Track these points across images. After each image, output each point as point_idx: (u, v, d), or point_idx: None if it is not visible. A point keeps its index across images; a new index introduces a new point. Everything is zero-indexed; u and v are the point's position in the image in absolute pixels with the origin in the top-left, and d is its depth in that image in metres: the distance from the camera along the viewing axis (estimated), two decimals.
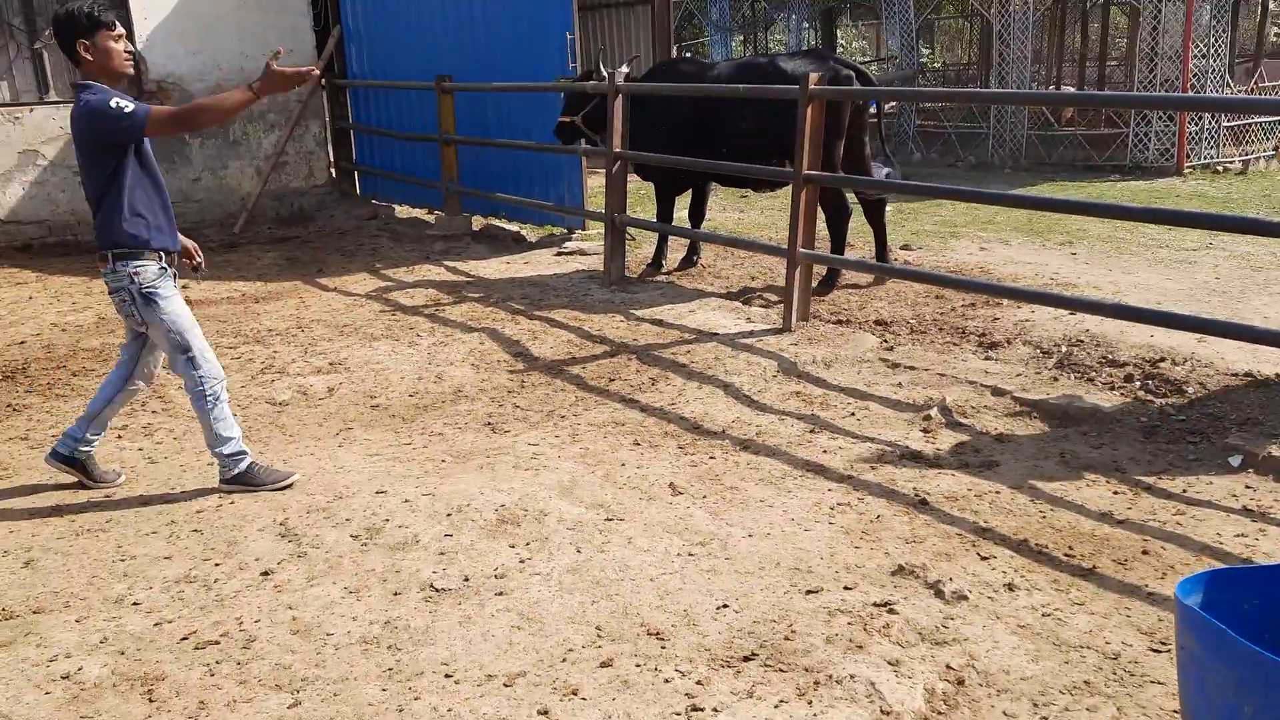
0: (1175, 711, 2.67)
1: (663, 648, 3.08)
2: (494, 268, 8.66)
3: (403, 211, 11.45)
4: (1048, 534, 3.75)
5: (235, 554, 3.71)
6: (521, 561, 3.61)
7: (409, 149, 11.26)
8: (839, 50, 23.85)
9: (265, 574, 3.55)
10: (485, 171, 10.10)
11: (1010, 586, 3.38)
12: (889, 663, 2.96)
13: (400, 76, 11.05)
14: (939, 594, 3.33)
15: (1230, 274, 7.53)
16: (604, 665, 2.99)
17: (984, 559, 3.58)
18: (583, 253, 8.89)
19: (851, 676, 2.89)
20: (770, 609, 3.28)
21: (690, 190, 8.35)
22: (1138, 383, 5.19)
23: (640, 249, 9.12)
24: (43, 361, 6.18)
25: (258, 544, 3.78)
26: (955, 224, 9.80)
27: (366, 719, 2.75)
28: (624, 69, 7.84)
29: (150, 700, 2.84)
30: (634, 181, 12.06)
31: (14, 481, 4.43)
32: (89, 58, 3.93)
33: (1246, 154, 13.17)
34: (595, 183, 9.55)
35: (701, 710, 2.76)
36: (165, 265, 4.13)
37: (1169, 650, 2.96)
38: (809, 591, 3.38)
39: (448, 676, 2.94)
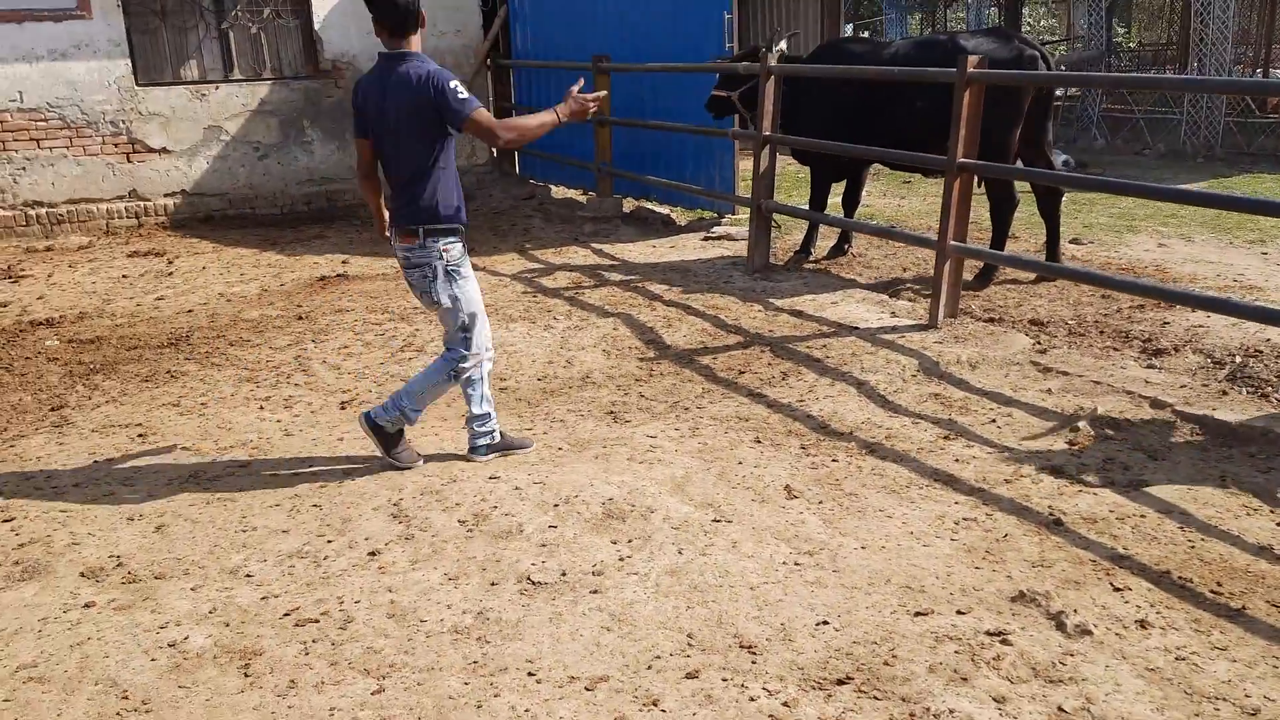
0: None
1: (753, 662, 2.96)
2: (639, 251, 8.62)
3: (558, 192, 11.55)
4: (1194, 566, 3.41)
5: (348, 531, 3.79)
6: (621, 559, 3.54)
7: (566, 130, 11.23)
8: (1026, 29, 22.71)
9: (372, 554, 3.61)
10: (638, 153, 10.06)
11: (1143, 623, 3.09)
12: (994, 699, 2.74)
13: (561, 57, 11.13)
14: (1060, 626, 3.07)
15: None
16: (690, 676, 2.89)
17: (1117, 590, 3.28)
18: (730, 238, 8.74)
19: (951, 711, 2.70)
20: (873, 629, 3.10)
21: (846, 176, 8.07)
22: None
23: (790, 235, 8.90)
24: (205, 330, 6.52)
25: (370, 523, 3.85)
26: (1134, 217, 9.13)
27: (445, 711, 2.75)
28: (780, 46, 7.62)
29: (246, 675, 2.92)
30: (791, 165, 11.81)
31: (158, 446, 4.67)
32: (421, 28, 4.04)
33: None
34: (748, 166, 9.33)
35: None
36: (464, 241, 4.23)
37: None
38: (918, 613, 3.18)
39: (531, 675, 2.91)
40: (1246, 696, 2.74)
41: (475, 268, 8.18)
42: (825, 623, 3.15)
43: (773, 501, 3.99)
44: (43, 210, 10.29)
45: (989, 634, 3.05)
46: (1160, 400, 4.76)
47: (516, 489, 4.09)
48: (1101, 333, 5.86)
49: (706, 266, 7.90)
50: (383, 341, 6.19)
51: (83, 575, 3.50)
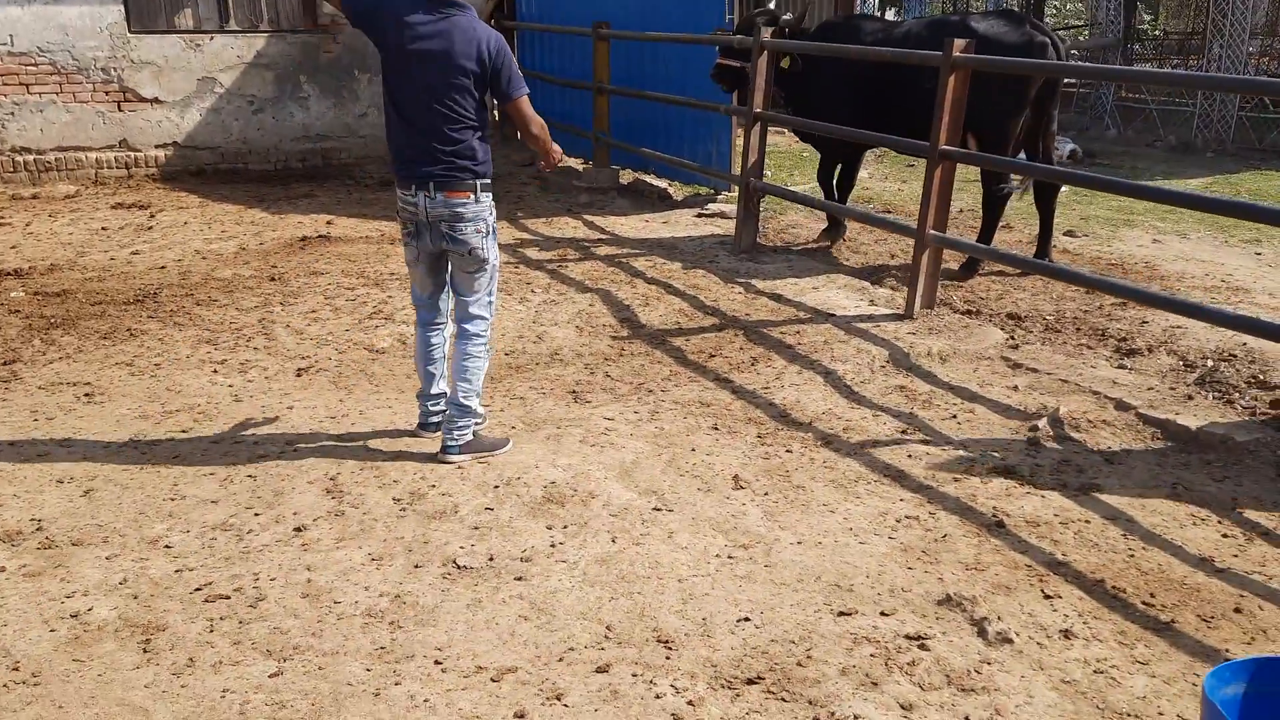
0: None
1: (667, 658, 2.88)
2: (631, 225, 8.49)
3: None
4: (1130, 576, 3.32)
5: (279, 505, 3.72)
6: (553, 546, 3.46)
7: (569, 97, 11.17)
8: (1052, 14, 22.29)
9: (298, 530, 3.54)
10: (638, 124, 9.91)
11: (1067, 633, 3.00)
12: (901, 706, 2.67)
13: (566, 21, 10.95)
14: (981, 633, 2.99)
15: None
16: (600, 670, 2.82)
17: (1047, 597, 3.19)
18: (724, 215, 8.61)
19: (855, 717, 2.63)
20: (794, 628, 3.02)
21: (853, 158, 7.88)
22: None
23: (783, 215, 8.77)
24: (174, 288, 6.44)
25: (303, 497, 3.78)
26: (1133, 211, 8.96)
27: (341, 699, 2.68)
28: (780, 15, 7.43)
29: (145, 651, 2.86)
30: (797, 143, 11.65)
31: (104, 407, 4.61)
32: None
33: None
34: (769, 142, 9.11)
35: None
36: None
37: None
38: (842, 613, 3.10)
39: (437, 663, 2.84)
40: (1160, 714, 2.65)
41: None
42: (747, 619, 3.07)
43: (718, 491, 3.90)
44: (30, 157, 10.18)
45: (908, 638, 2.97)
46: (1125, 402, 4.65)
47: (459, 468, 4.01)
48: (1078, 329, 5.73)
49: (694, 244, 7.78)
50: (352, 307, 6.10)
51: None
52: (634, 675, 2.80)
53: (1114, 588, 3.24)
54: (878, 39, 7.11)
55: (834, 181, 7.81)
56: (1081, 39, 17.94)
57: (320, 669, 2.80)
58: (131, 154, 10.52)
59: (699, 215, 8.73)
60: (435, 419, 4.28)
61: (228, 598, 3.13)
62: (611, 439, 4.33)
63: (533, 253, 7.53)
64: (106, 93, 10.38)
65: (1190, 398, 4.72)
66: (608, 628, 3.02)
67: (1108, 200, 9.36)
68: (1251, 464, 4.10)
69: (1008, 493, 3.88)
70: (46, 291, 6.34)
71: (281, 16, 10.95)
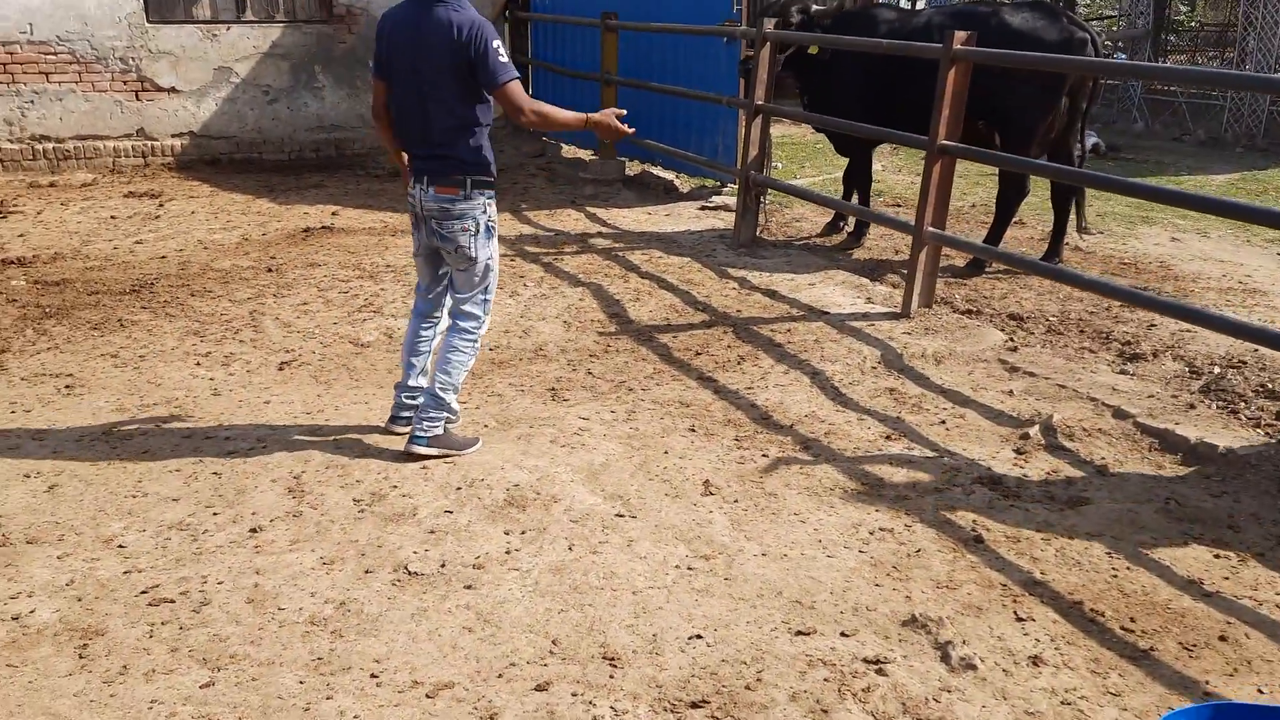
0: None
1: (611, 676, 2.80)
2: (633, 218, 8.39)
3: (568, 151, 11.32)
4: (1111, 598, 3.18)
5: (239, 504, 3.67)
6: (508, 553, 3.39)
7: (579, 88, 11.06)
8: (1085, 4, 21.83)
9: (254, 530, 3.49)
10: (645, 116, 9.75)
11: (1036, 660, 2.88)
12: None
13: (578, 13, 10.84)
14: (944, 658, 2.87)
15: None
16: (539, 688, 2.74)
17: (1020, 620, 3.07)
18: (727, 209, 8.48)
19: None
20: (747, 647, 2.92)
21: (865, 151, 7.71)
22: None
23: (787, 209, 8.63)
24: (171, 279, 6.42)
25: (264, 496, 3.73)
26: (1153, 207, 8.72)
27: (270, 712, 2.62)
28: (811, 2, 7.27)
29: (81, 656, 2.82)
30: (810, 134, 11.50)
31: (82, 400, 4.59)
32: None
33: None
34: (779, 133, 8.96)
35: None
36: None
37: None
38: (799, 632, 3.00)
39: (373, 676, 2.77)
40: None
41: None
42: (699, 636, 2.98)
43: (686, 497, 3.81)
44: (50, 145, 10.24)
45: (867, 661, 2.86)
46: (1123, 410, 4.49)
47: (424, 468, 3.94)
48: (1082, 332, 5.57)
49: (694, 238, 7.67)
50: (344, 300, 6.06)
51: None
52: (574, 695, 2.72)
53: (1092, 610, 3.11)
54: (894, 30, 6.94)
55: (849, 176, 7.68)
56: (1114, 30, 17.55)
57: (253, 680, 2.74)
58: (148, 143, 10.55)
59: (702, 208, 8.61)
60: (407, 414, 4.22)
61: (172, 601, 3.08)
62: (584, 440, 4.25)
63: (530, 245, 7.45)
64: (125, 82, 10.41)
65: (1193, 406, 4.55)
66: (554, 642, 2.94)
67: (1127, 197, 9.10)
68: (1252, 479, 3.93)
69: (990, 505, 3.76)
70: (46, 280, 6.35)
71: (297, 7, 10.93)
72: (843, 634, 3.00)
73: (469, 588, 3.18)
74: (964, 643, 2.93)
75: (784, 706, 2.68)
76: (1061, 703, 2.72)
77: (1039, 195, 7.62)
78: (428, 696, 2.70)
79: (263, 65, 10.81)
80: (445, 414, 4.07)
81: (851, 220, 7.67)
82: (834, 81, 7.24)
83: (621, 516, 3.64)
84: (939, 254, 5.80)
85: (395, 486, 3.80)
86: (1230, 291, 6.29)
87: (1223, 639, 3.00)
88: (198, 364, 5.04)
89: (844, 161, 7.88)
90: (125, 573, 3.23)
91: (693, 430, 4.39)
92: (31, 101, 10.14)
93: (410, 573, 3.25)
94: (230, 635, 2.93)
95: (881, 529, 3.60)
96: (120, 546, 3.38)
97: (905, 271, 6.58)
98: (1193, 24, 21.10)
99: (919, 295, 5.69)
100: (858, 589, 3.23)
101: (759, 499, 3.81)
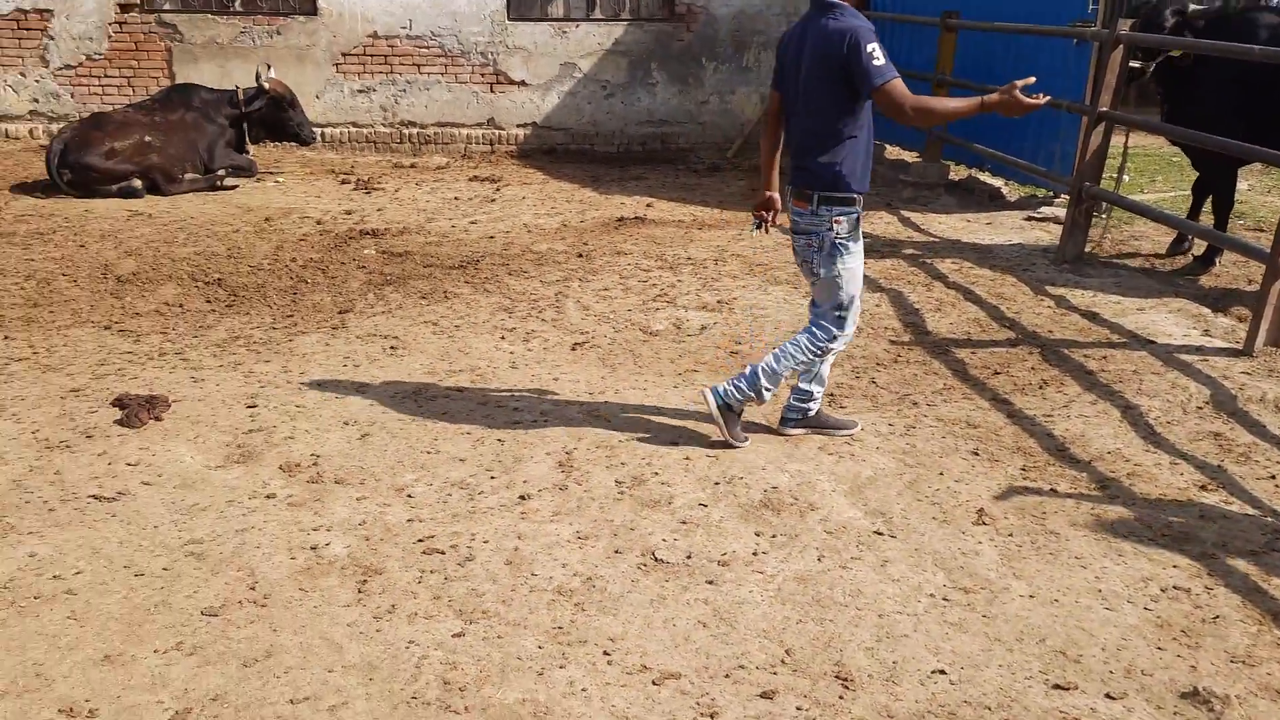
0: None
1: (840, 697, 2.70)
2: (949, 224, 8.03)
3: (892, 152, 11.01)
4: None
5: (514, 471, 3.90)
6: (755, 554, 3.36)
7: (914, 89, 10.71)
8: None
9: (522, 498, 3.69)
10: (977, 119, 9.28)
11: None
12: None
13: (920, 12, 10.50)
14: None
15: None
16: (764, 695, 2.70)
17: None
18: (1056, 221, 7.89)
19: None
20: (994, 692, 2.72)
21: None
22: None
23: (1129, 225, 7.90)
24: (495, 257, 6.92)
25: (537, 466, 3.93)
26: None
27: (507, 670, 2.77)
28: (1189, 4, 6.64)
29: (359, 591, 3.11)
30: (1165, 147, 10.46)
31: (402, 360, 5.05)
32: None
33: None
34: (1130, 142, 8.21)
35: None
36: (860, 212, 3.94)
37: None
38: (1057, 686, 2.75)
39: (605, 654, 2.85)
40: None
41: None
42: (943, 672, 2.81)
43: (955, 524, 3.59)
44: (415, 130, 11.35)
45: None
46: None
47: (686, 459, 4.00)
48: None
49: (1013, 250, 7.21)
50: (642, 288, 6.26)
51: (281, 468, 3.88)
52: (798, 709, 2.65)
53: None
54: (1276, 35, 6.17)
55: (1200, 192, 6.91)
56: None
57: (499, 637, 2.90)
58: (496, 132, 11.42)
59: (1028, 219, 8.07)
60: (794, 414, 4.23)
61: (443, 553, 3.32)
62: (854, 450, 4.12)
63: None
64: (482, 75, 11.32)
65: None
66: (787, 651, 2.88)
67: None
68: None
69: None
70: (392, 251, 7.05)
71: (641, 5, 11.38)
72: (1108, 695, 2.71)
73: (710, 583, 3.19)
74: None
75: None
76: None
77: None
78: (653, 683, 2.74)
79: (604, 61, 11.37)
80: (751, 395, 4.04)
81: (1200, 243, 6.89)
82: (1198, 90, 6.52)
83: (880, 534, 3.50)
84: None
85: (657, 473, 3.88)
86: None
87: None
88: (502, 337, 5.40)
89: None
90: (409, 520, 3.52)
91: (975, 454, 4.14)
92: (404, 90, 11.26)
93: (657, 559, 3.31)
94: (486, 592, 3.12)
95: (1176, 587, 3.22)
96: (409, 496, 3.70)
97: (1254, 304, 5.84)
98: None
99: (1267, 332, 5.02)
100: (1134, 649, 2.91)
101: (1037, 536, 3.52)
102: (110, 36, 10.72)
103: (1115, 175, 7.92)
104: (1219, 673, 2.81)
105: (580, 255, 6.97)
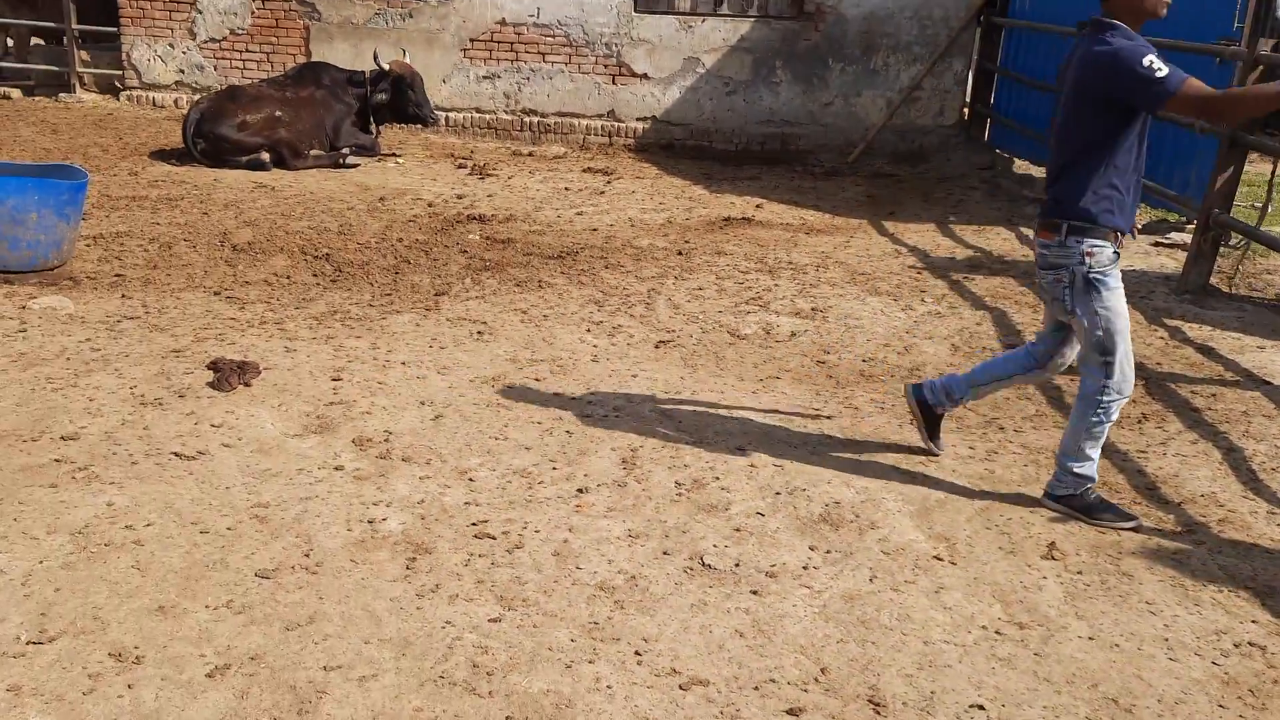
0: None
1: None
2: None
3: (1020, 166, 10.65)
4: None
5: (576, 463, 3.92)
6: (805, 568, 3.30)
7: (1042, 100, 10.33)
8: None
9: (580, 490, 3.71)
10: None
11: None
12: None
13: (1060, 21, 10.12)
14: None
15: None
16: (791, 712, 2.65)
17: None
18: (1184, 248, 7.50)
19: None
20: None
21: None
22: None
23: (1267, 258, 7.45)
24: (594, 250, 6.96)
25: (600, 462, 3.94)
26: None
27: (537, 660, 2.78)
28: None
29: (407, 569, 3.17)
30: None
31: (487, 345, 5.12)
32: None
33: None
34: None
35: None
36: (1118, 250, 3.61)
37: None
38: None
39: (637, 654, 2.84)
40: None
41: (883, 232, 7.93)
42: (981, 708, 2.70)
43: (1022, 556, 3.46)
44: (536, 119, 11.51)
45: None
46: None
47: (751, 466, 3.95)
48: None
49: (1133, 276, 6.88)
50: (736, 290, 6.21)
51: (353, 442, 3.99)
52: None
53: None
54: None
55: None
56: None
57: (534, 626, 2.93)
58: (616, 124, 11.48)
59: (1154, 244, 7.71)
60: (1063, 489, 3.78)
61: (494, 538, 3.37)
62: (927, 470, 4.01)
63: (942, 258, 7.13)
64: (605, 66, 11.40)
65: None
66: (822, 670, 2.82)
67: None
68: None
69: None
70: (495, 238, 7.17)
71: (770, 3, 11.28)
72: None
73: (755, 593, 3.15)
74: None
75: None
76: None
77: None
78: (680, 688, 2.72)
79: (727, 58, 11.30)
80: (1069, 478, 3.72)
81: None
82: None
83: (939, 560, 3.39)
84: None
85: (718, 478, 3.84)
86: None
87: None
88: (588, 330, 5.43)
89: None
90: (466, 504, 3.58)
91: None
92: (528, 78, 11.43)
93: (704, 564, 3.28)
94: (529, 581, 3.14)
95: (1251, 644, 3.03)
96: (470, 480, 3.76)
97: None
98: None
99: None
100: (1194, 705, 2.75)
101: (1108, 576, 3.36)
102: (254, 13, 11.20)
103: (1256, 205, 7.49)
104: None
105: (680, 253, 6.96)
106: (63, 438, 3.83)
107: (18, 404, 4.10)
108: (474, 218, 7.65)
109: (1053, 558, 3.46)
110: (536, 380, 4.73)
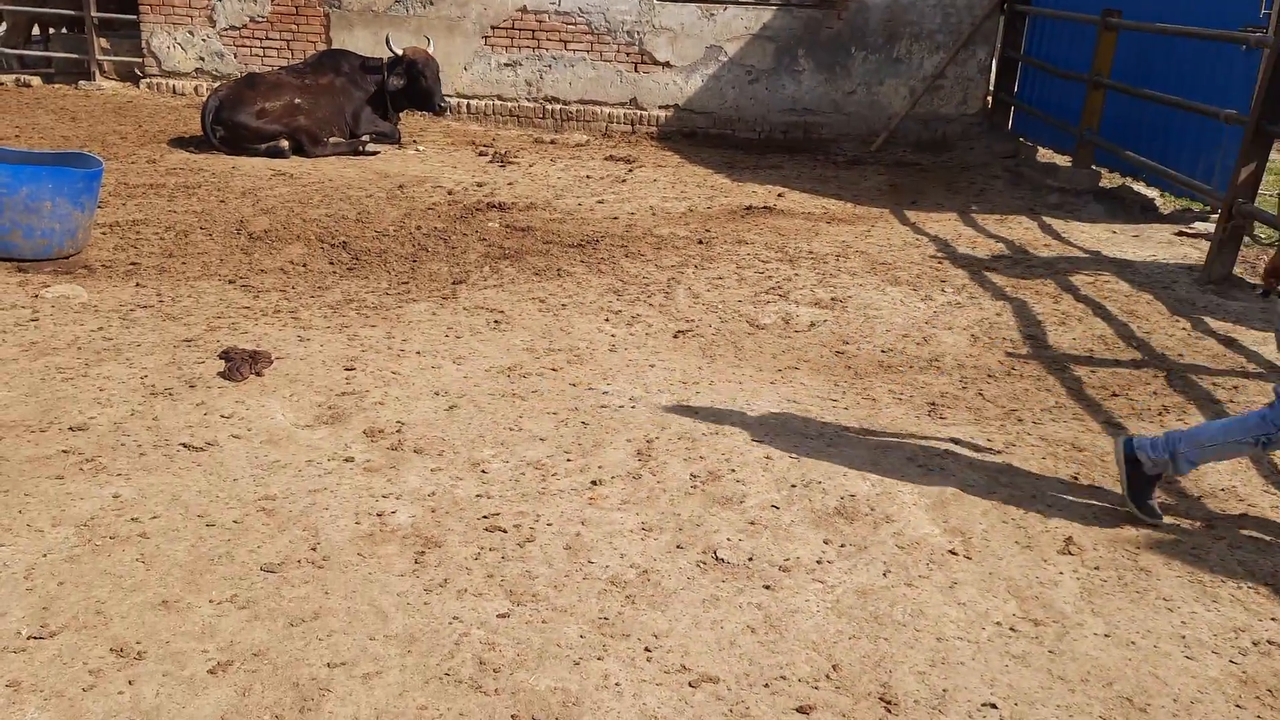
0: None
1: None
2: (1093, 234, 7.62)
3: (1044, 155, 10.51)
4: None
5: (591, 455, 3.89)
6: (819, 562, 3.26)
7: (1065, 88, 10.22)
8: None
9: (594, 483, 3.68)
10: (1134, 124, 8.82)
11: None
12: None
13: (1083, 9, 9.98)
14: None
15: None
16: (801, 710, 2.62)
17: None
18: (1209, 238, 7.38)
19: None
20: None
21: None
22: None
23: None
24: (614, 238, 6.93)
25: (615, 453, 3.92)
26: None
27: (545, 657, 2.76)
28: None
29: (415, 562, 3.16)
30: None
31: (504, 335, 5.10)
32: None
33: None
34: None
35: None
36: None
37: None
38: None
39: (646, 650, 2.82)
40: None
41: (905, 221, 7.85)
42: (994, 706, 2.67)
43: (1039, 551, 3.41)
44: (558, 106, 11.47)
45: None
46: None
47: (767, 458, 3.91)
48: None
49: (1156, 267, 6.79)
50: (757, 280, 6.16)
51: (365, 433, 3.98)
52: None
53: None
54: None
55: None
56: None
57: (543, 622, 2.91)
58: (638, 112, 11.43)
59: (1178, 233, 7.59)
60: (1154, 451, 3.60)
61: (505, 531, 3.35)
62: (944, 463, 3.96)
63: (964, 249, 7.05)
64: (627, 54, 11.34)
65: None
66: (834, 667, 2.79)
67: None
68: None
69: None
70: (515, 226, 7.15)
71: None
72: None
73: (767, 588, 3.12)
74: None
75: None
76: None
77: None
78: (689, 685, 2.69)
79: (750, 46, 11.21)
80: (1167, 457, 3.55)
81: None
82: None
83: (954, 554, 3.35)
84: None
85: (733, 470, 3.81)
86: None
87: None
88: (606, 319, 5.40)
89: None
90: (477, 496, 3.56)
91: (1075, 479, 3.92)
92: (550, 66, 11.38)
93: (717, 558, 3.25)
94: (539, 575, 3.12)
95: (1270, 642, 2.98)
96: (483, 472, 3.74)
97: None
98: None
99: None
100: (1209, 704, 2.70)
101: (1126, 573, 3.31)
102: (273, 0, 11.20)
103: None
104: None
105: (700, 242, 6.92)
106: (71, 428, 3.85)
107: (27, 394, 4.12)
108: (494, 205, 7.63)
109: (1069, 553, 3.41)
110: (553, 370, 4.71)
